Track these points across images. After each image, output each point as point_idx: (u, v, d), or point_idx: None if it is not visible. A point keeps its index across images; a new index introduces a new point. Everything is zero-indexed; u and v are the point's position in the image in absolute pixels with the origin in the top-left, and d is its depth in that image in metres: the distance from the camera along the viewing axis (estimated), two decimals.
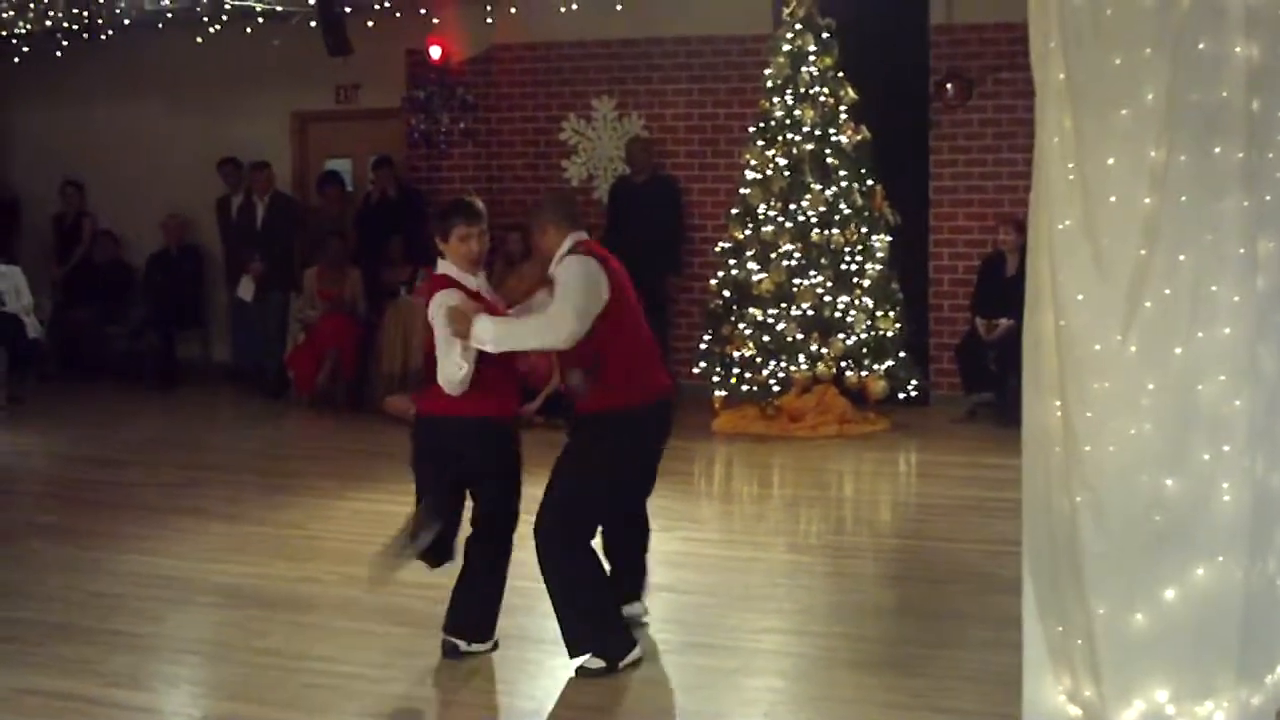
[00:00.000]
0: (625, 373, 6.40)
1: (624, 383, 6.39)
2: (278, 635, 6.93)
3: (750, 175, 12.48)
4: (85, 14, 14.76)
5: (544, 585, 6.35)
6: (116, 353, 15.72)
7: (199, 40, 14.55)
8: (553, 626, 6.41)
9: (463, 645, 6.53)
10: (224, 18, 14.40)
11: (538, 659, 6.45)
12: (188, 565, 8.27)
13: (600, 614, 6.38)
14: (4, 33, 15.28)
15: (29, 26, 15.10)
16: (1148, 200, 4.78)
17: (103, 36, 15.01)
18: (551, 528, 6.28)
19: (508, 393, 6.54)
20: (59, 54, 15.11)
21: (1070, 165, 4.92)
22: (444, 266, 6.49)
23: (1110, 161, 4.84)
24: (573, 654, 6.34)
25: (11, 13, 14.86)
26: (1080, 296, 4.91)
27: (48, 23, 14.89)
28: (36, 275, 15.33)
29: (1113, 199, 4.83)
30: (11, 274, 14.49)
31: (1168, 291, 4.79)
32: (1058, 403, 5.00)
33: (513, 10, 13.99)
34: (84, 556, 8.40)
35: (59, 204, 16.42)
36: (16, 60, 15.34)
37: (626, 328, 6.45)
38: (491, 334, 6.17)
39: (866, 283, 12.21)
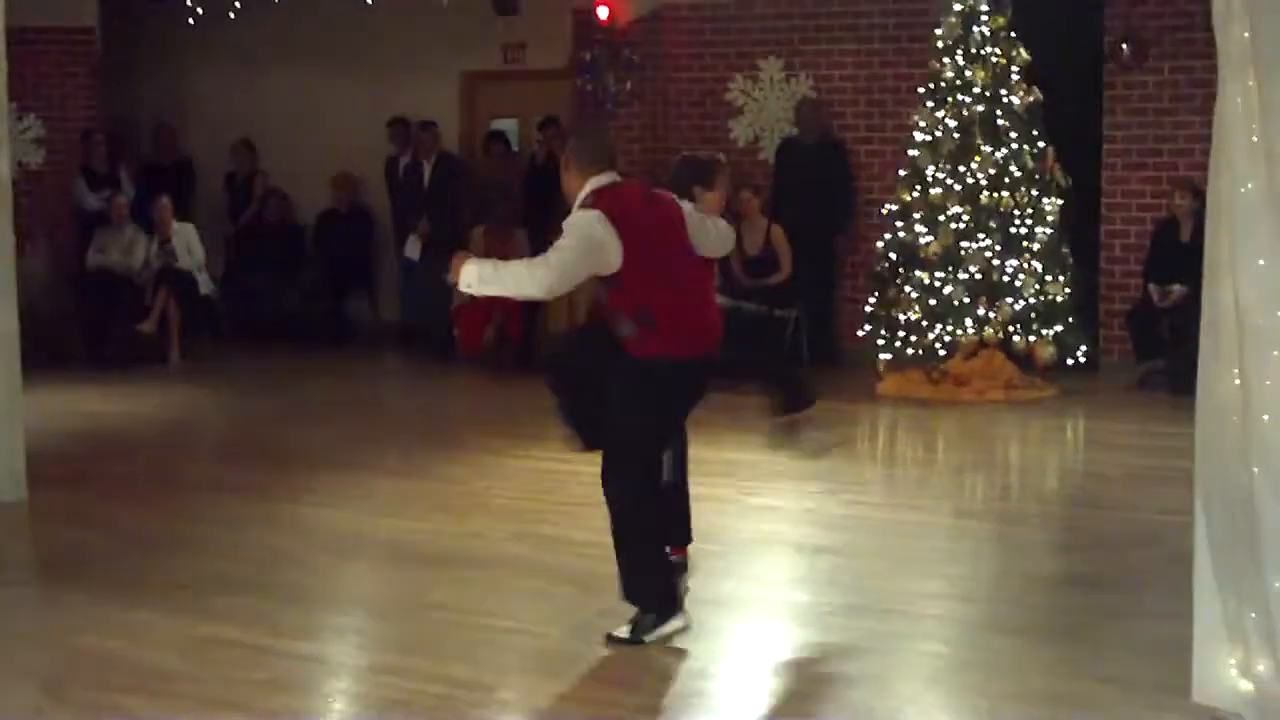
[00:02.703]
0: (675, 321, 6.16)
1: (674, 331, 6.16)
2: (444, 590, 7.01)
3: (919, 137, 12.36)
4: None
5: None
6: (287, 311, 15.98)
7: (368, 1, 14.70)
8: (717, 585, 6.41)
9: None
10: None
11: (701, 618, 6.45)
12: (357, 520, 8.40)
13: (650, 568, 6.28)
14: None
15: None
16: None
17: None
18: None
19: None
20: (231, 15, 15.36)
21: (1254, 128, 4.80)
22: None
23: None
24: (629, 599, 6.24)
25: None
26: (1261, 263, 4.79)
27: None
28: (210, 234, 15.63)
29: None
30: (184, 231, 14.80)
31: None
32: (1236, 371, 4.89)
33: None
34: (256, 510, 8.57)
35: (231, 164, 16.69)
36: (191, 21, 15.61)
37: (668, 276, 6.19)
38: (473, 275, 6.26)
39: (1036, 246, 12.05)
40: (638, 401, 6.20)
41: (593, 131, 6.52)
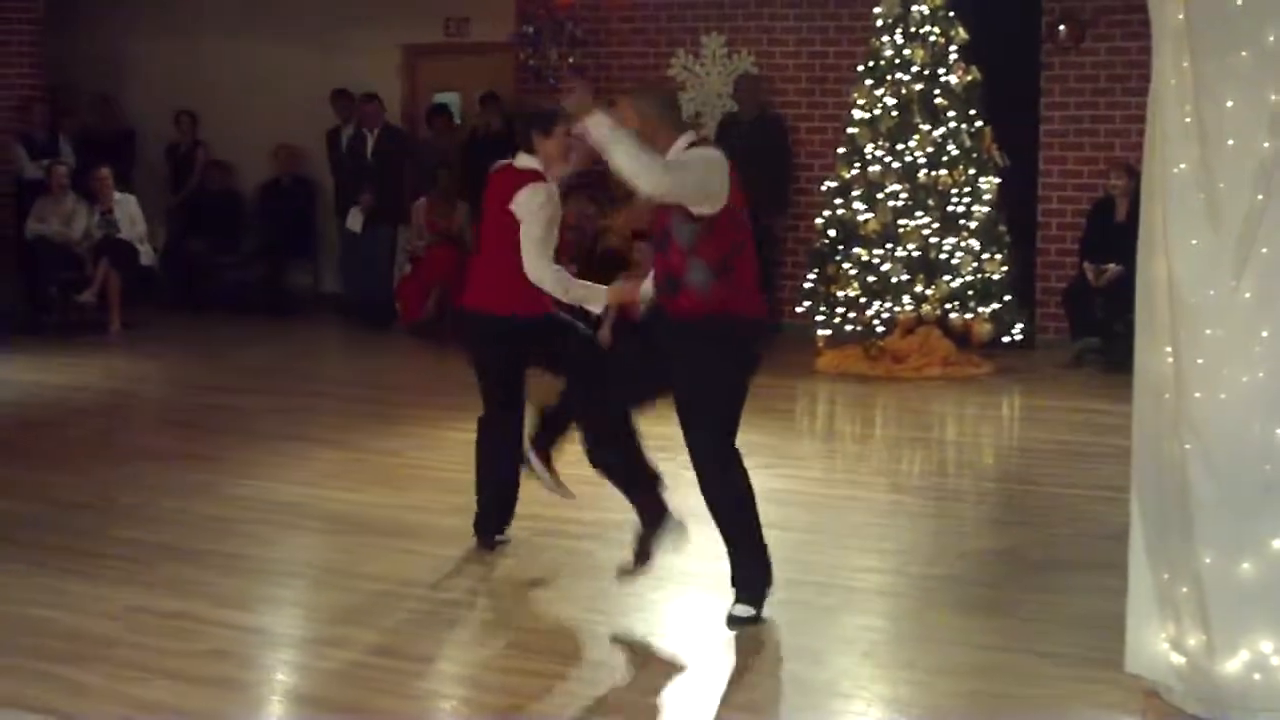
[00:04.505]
0: (751, 280, 6.15)
1: (750, 289, 6.13)
2: (383, 561, 7.03)
3: (858, 114, 12.40)
4: None
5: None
6: (228, 281, 15.93)
7: None
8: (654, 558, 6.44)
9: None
10: None
11: (639, 591, 6.48)
12: (296, 490, 8.40)
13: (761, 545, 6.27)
14: None
15: None
16: (1266, 144, 4.72)
17: None
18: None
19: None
20: None
21: (1187, 108, 4.86)
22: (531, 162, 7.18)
23: (1228, 104, 4.78)
24: (743, 597, 6.19)
25: None
26: (1194, 241, 4.86)
27: None
28: (151, 204, 15.53)
29: (1230, 142, 4.78)
30: (126, 202, 14.73)
31: None
32: (1169, 349, 4.95)
33: None
34: (195, 480, 8.55)
35: (173, 134, 16.59)
36: None
37: (749, 237, 6.17)
38: (605, 128, 5.79)
39: (973, 224, 12.13)
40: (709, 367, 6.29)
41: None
